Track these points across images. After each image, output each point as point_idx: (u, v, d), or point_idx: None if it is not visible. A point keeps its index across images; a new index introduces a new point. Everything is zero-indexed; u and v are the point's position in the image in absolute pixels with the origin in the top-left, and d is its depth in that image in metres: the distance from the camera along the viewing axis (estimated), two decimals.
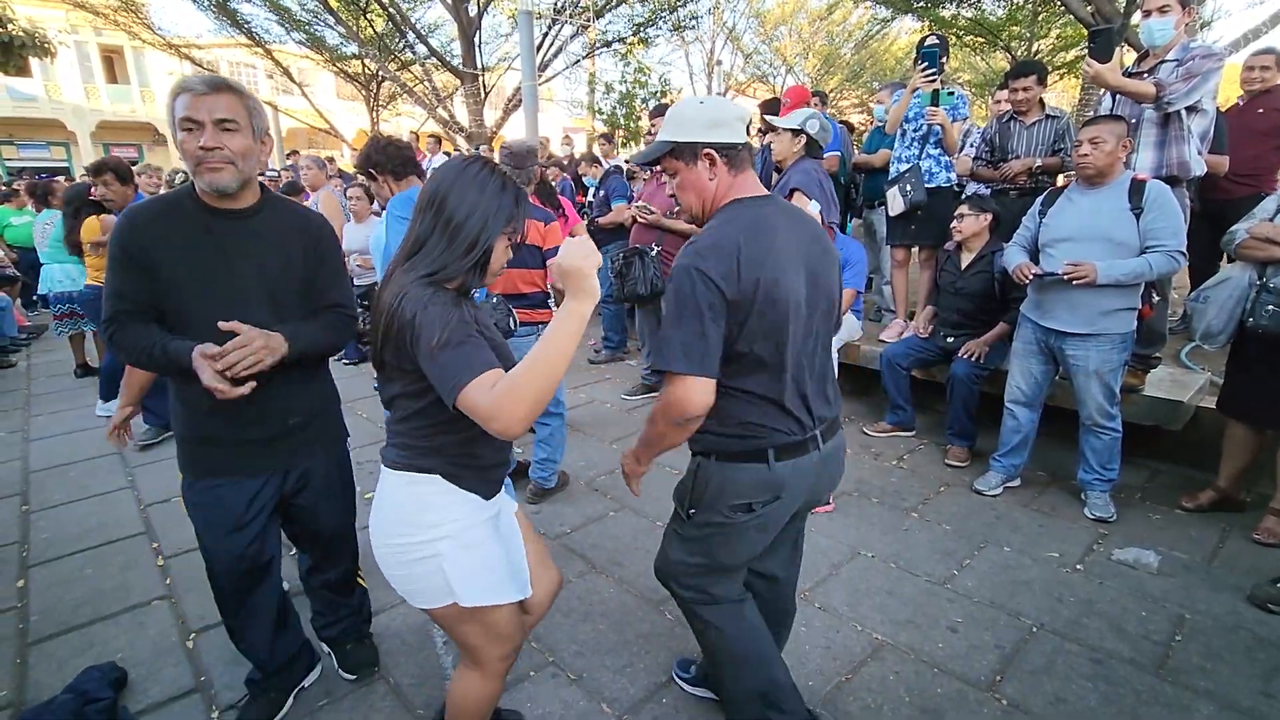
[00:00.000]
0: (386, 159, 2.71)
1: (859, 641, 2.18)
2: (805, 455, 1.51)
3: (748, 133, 1.53)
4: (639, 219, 4.00)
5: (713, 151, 1.44)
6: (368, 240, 4.21)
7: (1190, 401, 3.15)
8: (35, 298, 8.54)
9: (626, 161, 6.65)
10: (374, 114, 17.09)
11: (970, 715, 1.89)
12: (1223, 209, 3.72)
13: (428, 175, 1.54)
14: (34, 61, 12.79)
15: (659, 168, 1.56)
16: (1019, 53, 13.88)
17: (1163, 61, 2.98)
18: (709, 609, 1.65)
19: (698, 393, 1.36)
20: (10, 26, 9.55)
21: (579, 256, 1.15)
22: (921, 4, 11.84)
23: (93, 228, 4.25)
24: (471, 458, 1.39)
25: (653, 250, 3.91)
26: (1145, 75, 3.01)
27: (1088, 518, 2.92)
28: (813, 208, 2.87)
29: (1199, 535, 2.78)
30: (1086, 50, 2.95)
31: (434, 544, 1.35)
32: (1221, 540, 2.74)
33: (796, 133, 2.99)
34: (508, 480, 1.69)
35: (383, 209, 2.98)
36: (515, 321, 2.68)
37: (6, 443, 4.13)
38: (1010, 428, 3.14)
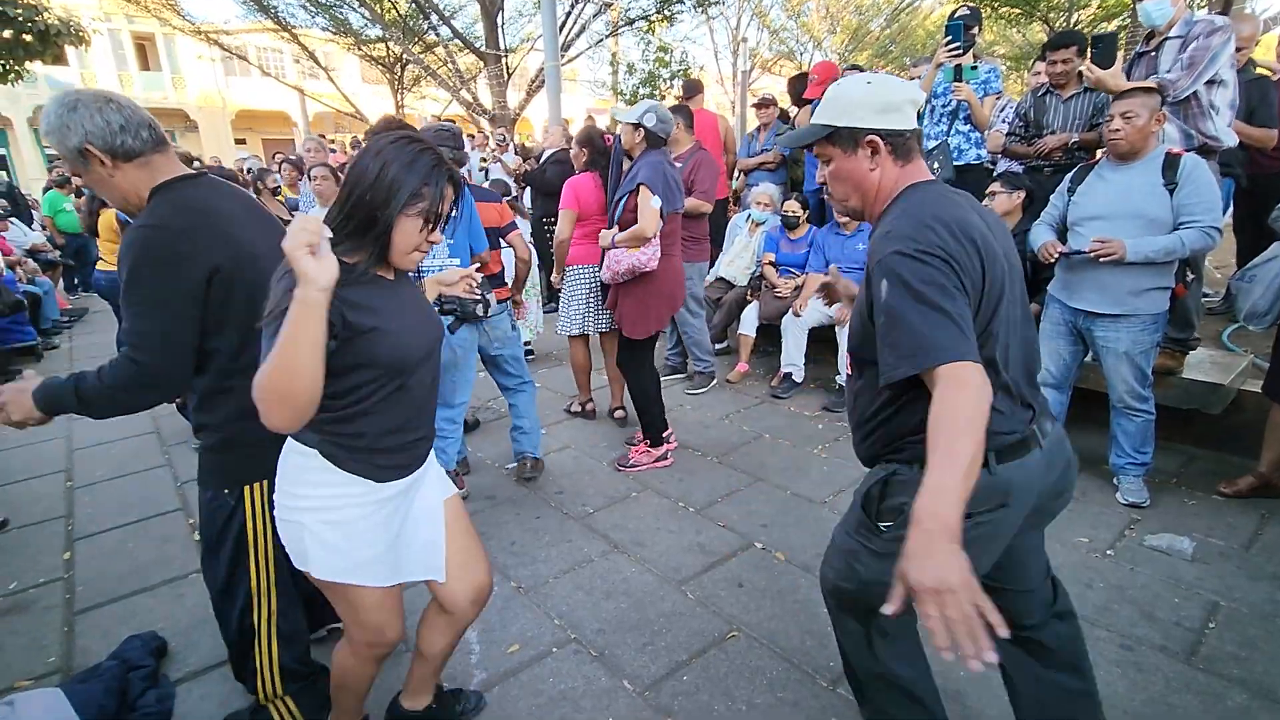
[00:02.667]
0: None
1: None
2: None
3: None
4: None
5: (877, 139, 1.27)
6: None
7: (1231, 384, 3.05)
8: (75, 280, 8.82)
9: None
10: (399, 97, 17.15)
11: (994, 699, 1.87)
12: (1256, 184, 3.69)
13: None
14: (70, 50, 13.01)
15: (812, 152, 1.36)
16: (1058, 24, 13.39)
17: (1166, 39, 3.00)
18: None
19: None
20: (45, 15, 9.73)
21: (288, 236, 1.02)
22: None
23: (109, 221, 4.14)
24: (355, 437, 1.33)
25: None
26: (1153, 54, 3.05)
27: (1120, 503, 2.86)
28: (654, 203, 2.95)
29: (1236, 522, 2.70)
30: (1091, 56, 3.03)
31: (299, 512, 1.35)
32: (1260, 527, 2.66)
33: (636, 126, 3.05)
34: (438, 467, 1.59)
35: None
36: (493, 301, 2.74)
37: (52, 422, 4.28)
38: None
